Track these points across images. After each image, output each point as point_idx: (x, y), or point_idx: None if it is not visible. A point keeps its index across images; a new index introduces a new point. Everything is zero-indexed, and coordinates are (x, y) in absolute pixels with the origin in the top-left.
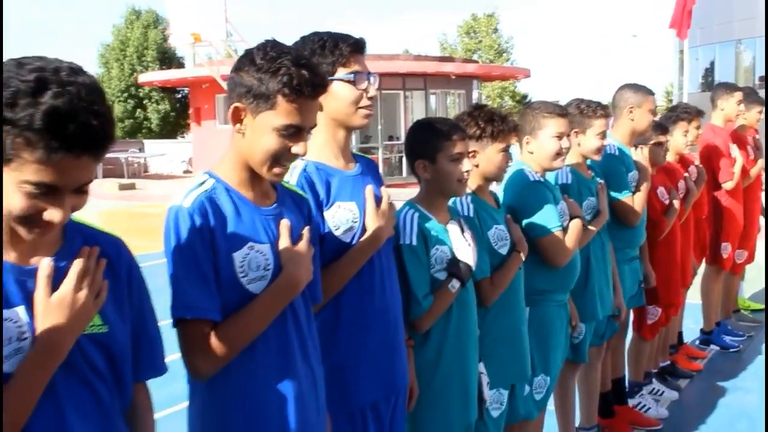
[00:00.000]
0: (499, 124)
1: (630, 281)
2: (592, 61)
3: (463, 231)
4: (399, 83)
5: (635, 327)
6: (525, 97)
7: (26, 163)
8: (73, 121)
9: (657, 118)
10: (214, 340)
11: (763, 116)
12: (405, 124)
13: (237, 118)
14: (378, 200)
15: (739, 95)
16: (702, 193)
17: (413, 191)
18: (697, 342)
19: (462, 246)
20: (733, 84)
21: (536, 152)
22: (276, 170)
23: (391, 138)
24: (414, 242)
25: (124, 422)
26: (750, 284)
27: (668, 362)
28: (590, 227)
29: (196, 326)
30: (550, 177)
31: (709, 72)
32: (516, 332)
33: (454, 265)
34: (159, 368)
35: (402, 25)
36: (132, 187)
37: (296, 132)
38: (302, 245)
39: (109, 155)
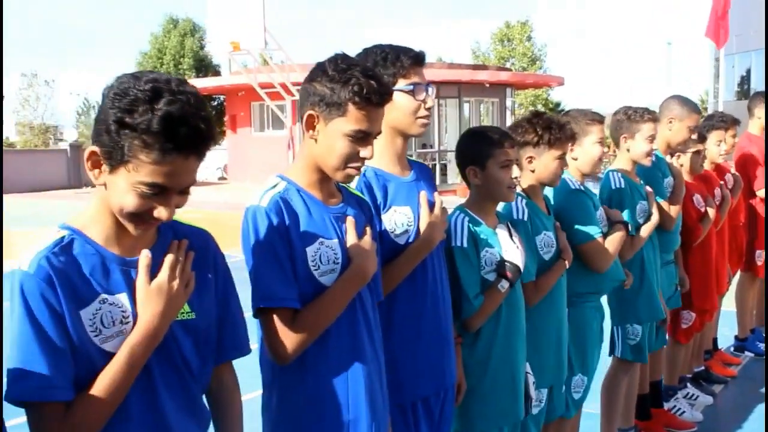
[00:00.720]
0: (556, 131)
1: (666, 285)
2: (626, 69)
3: (511, 234)
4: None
5: (670, 332)
6: (558, 105)
7: (142, 164)
8: (185, 124)
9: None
10: (293, 327)
11: None
12: (439, 133)
13: (310, 124)
14: (431, 205)
15: None
16: (739, 201)
17: (447, 198)
18: (732, 348)
19: (511, 248)
20: None
21: (581, 158)
22: (347, 172)
23: (424, 146)
24: (465, 245)
25: (203, 401)
26: None
27: (702, 368)
28: (641, 234)
29: (278, 314)
30: (594, 185)
31: (745, 80)
32: (556, 336)
33: (503, 267)
34: (242, 349)
35: (434, 32)
36: None
37: (365, 137)
38: (367, 240)
39: None
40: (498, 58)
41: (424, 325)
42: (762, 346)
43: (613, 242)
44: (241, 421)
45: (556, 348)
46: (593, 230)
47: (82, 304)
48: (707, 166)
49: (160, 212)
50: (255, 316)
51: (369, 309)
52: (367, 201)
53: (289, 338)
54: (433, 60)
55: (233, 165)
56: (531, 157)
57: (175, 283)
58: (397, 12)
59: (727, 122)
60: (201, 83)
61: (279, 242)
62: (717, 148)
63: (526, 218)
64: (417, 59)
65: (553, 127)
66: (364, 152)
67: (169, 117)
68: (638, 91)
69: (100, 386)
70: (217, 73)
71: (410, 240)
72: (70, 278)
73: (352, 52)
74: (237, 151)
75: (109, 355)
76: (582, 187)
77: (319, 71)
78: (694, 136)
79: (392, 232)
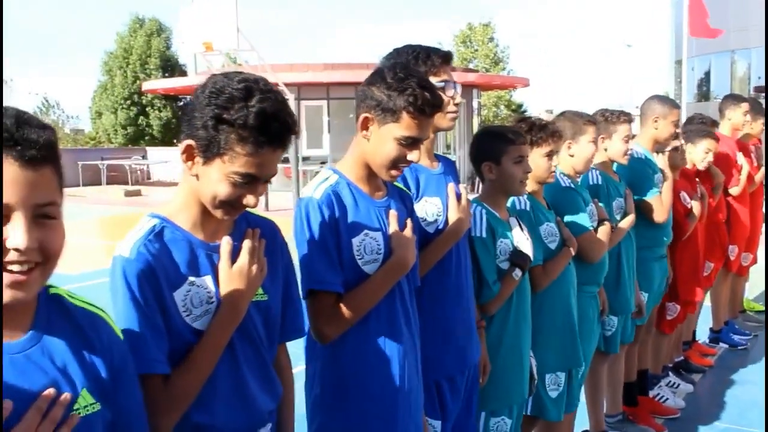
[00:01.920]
0: (537, 131)
1: (660, 278)
2: (587, 71)
3: (521, 226)
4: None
5: (654, 323)
6: (521, 106)
7: (238, 156)
8: (276, 120)
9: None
10: (338, 310)
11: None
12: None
13: (365, 125)
14: (458, 196)
15: (745, 106)
16: (720, 198)
17: None
18: (707, 340)
19: (522, 239)
20: (740, 95)
21: (576, 155)
22: (393, 173)
23: None
24: (484, 235)
25: (275, 375)
26: (752, 287)
27: (682, 358)
28: (621, 225)
29: (324, 297)
30: (582, 179)
31: (704, 82)
32: (568, 320)
33: (516, 256)
34: (301, 330)
35: (398, 32)
36: (138, 193)
37: (414, 142)
38: (408, 232)
39: (113, 162)
40: (460, 60)
41: (450, 306)
42: (735, 337)
43: (603, 234)
44: (294, 396)
45: (569, 332)
46: (585, 222)
47: (174, 286)
48: (688, 165)
49: (249, 200)
50: (304, 297)
51: (406, 295)
52: (410, 194)
53: (331, 319)
54: None
55: None
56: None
57: (254, 267)
58: (361, 11)
59: (706, 125)
60: (168, 83)
61: (328, 233)
62: (705, 155)
63: (528, 208)
64: (446, 58)
65: (534, 128)
66: (411, 156)
67: (262, 113)
68: (600, 92)
69: (194, 360)
70: (183, 73)
71: (439, 228)
72: (164, 263)
73: (322, 52)
74: None
75: (198, 333)
76: (572, 184)
77: (377, 77)
78: (679, 130)
79: (423, 221)
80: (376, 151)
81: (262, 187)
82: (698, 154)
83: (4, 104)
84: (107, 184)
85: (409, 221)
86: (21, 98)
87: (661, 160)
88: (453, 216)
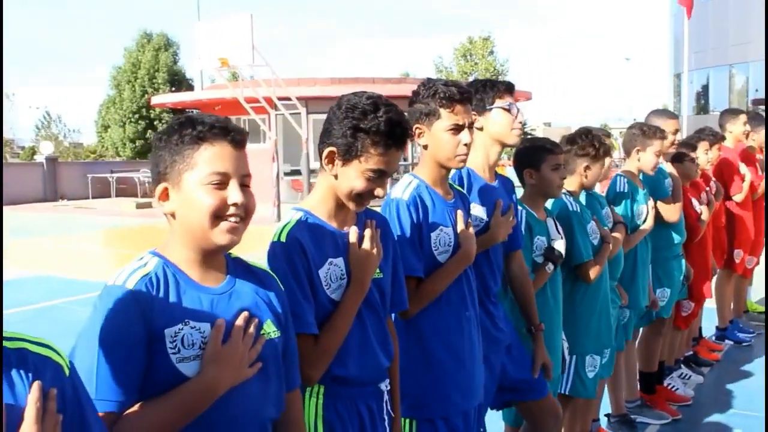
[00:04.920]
0: (604, 146)
1: (678, 275)
2: (586, 84)
3: (556, 226)
4: (406, 106)
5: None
6: None
7: (371, 156)
8: (399, 126)
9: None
10: (419, 290)
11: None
12: (412, 146)
13: (419, 135)
14: (506, 209)
15: (743, 117)
16: (720, 204)
17: None
18: (713, 338)
19: (557, 238)
20: (737, 108)
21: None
22: (459, 158)
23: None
24: (522, 232)
25: (391, 340)
26: (755, 291)
27: (691, 352)
28: (641, 228)
29: (411, 281)
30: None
31: (702, 95)
32: (604, 308)
33: (550, 252)
34: (404, 303)
35: (398, 47)
36: (149, 205)
37: (460, 128)
38: (471, 230)
39: (122, 175)
40: (460, 73)
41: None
42: (740, 334)
43: (618, 234)
44: (398, 359)
45: (605, 317)
46: (602, 222)
47: (318, 265)
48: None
49: (379, 191)
50: None
51: (472, 282)
52: (467, 197)
53: (414, 298)
54: (395, 74)
55: None
56: (587, 166)
57: (375, 251)
58: (361, 26)
59: (716, 137)
60: (177, 97)
61: (414, 228)
62: (705, 156)
63: (579, 210)
64: (509, 86)
65: (604, 143)
66: (464, 138)
67: (389, 122)
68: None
69: (334, 324)
70: (190, 88)
71: (479, 232)
72: (310, 246)
73: (324, 66)
74: None
75: (335, 303)
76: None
77: (413, 96)
78: (679, 137)
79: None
80: (437, 149)
81: (387, 181)
82: (701, 157)
83: (7, 118)
84: (116, 196)
85: (470, 221)
86: (22, 111)
87: (670, 167)
88: (494, 224)
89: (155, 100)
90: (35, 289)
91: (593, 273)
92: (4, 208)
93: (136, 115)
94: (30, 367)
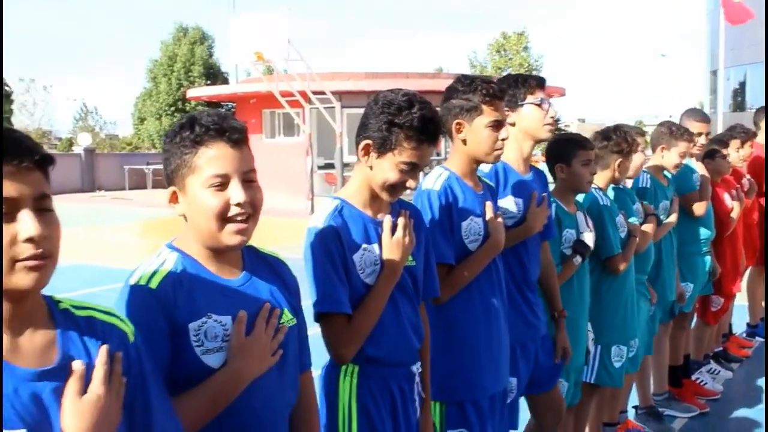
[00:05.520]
0: (632, 140)
1: (703, 270)
2: (620, 80)
3: (586, 220)
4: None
5: (699, 314)
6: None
7: (405, 150)
8: (432, 123)
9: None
10: (451, 276)
11: None
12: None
13: (458, 130)
14: (540, 200)
15: None
16: (753, 201)
17: None
18: (744, 334)
19: (586, 231)
20: None
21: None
22: (495, 153)
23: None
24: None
25: (422, 322)
26: None
27: (721, 348)
28: (665, 222)
29: (443, 268)
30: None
31: (739, 92)
32: (630, 299)
33: (579, 245)
34: (436, 291)
35: (431, 42)
36: None
37: (499, 124)
38: (500, 220)
39: (158, 166)
40: (495, 69)
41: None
42: None
43: (649, 227)
44: (429, 341)
45: (630, 311)
46: (632, 215)
47: (353, 250)
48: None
49: (411, 183)
50: None
51: (500, 269)
52: (494, 189)
53: (446, 284)
54: (428, 69)
55: None
56: (621, 162)
57: (407, 239)
58: (396, 21)
59: (747, 134)
60: (212, 90)
61: (445, 217)
62: (737, 153)
63: (609, 204)
64: (540, 82)
65: (635, 139)
66: (502, 134)
67: (423, 118)
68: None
69: (367, 306)
70: (225, 81)
71: (516, 223)
72: (346, 232)
73: (356, 59)
74: None
75: (368, 286)
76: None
77: (451, 91)
78: (704, 140)
79: (505, 215)
80: (475, 144)
81: (419, 173)
82: (732, 154)
83: (45, 110)
84: (152, 188)
85: (498, 211)
86: (59, 103)
87: (701, 167)
88: (531, 216)
89: (191, 93)
90: (75, 276)
91: (621, 266)
92: None
93: (172, 108)
94: (98, 333)
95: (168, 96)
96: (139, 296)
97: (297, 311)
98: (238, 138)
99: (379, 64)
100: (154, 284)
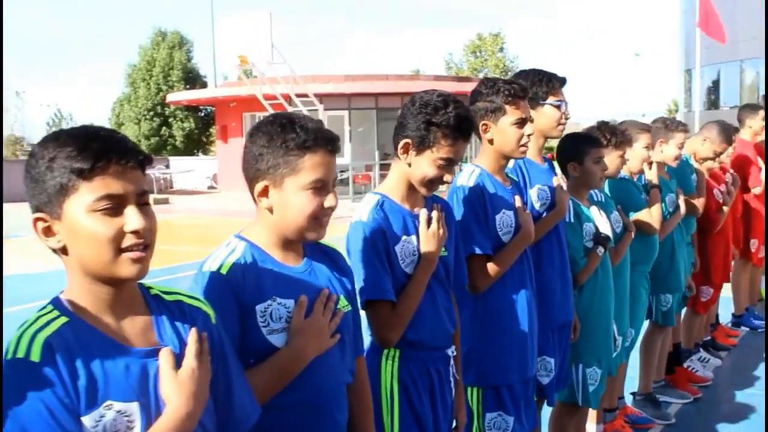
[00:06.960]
0: (620, 136)
1: (687, 262)
2: (595, 80)
3: (601, 213)
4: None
5: (689, 304)
6: None
7: (442, 147)
8: (466, 121)
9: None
10: (484, 267)
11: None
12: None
13: (485, 130)
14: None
15: (762, 112)
16: (736, 196)
17: None
18: (730, 324)
19: (602, 223)
20: (755, 104)
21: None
22: (521, 149)
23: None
24: (572, 220)
25: (455, 309)
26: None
27: (709, 337)
28: (672, 219)
29: (479, 258)
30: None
31: (712, 90)
32: (626, 291)
33: (599, 237)
34: (465, 279)
35: (406, 43)
36: (166, 201)
37: (524, 122)
38: (528, 212)
39: None
40: (470, 70)
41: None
42: (755, 321)
43: (654, 210)
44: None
45: (626, 301)
46: (642, 205)
47: (394, 242)
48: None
49: (447, 177)
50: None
51: (531, 258)
52: (520, 184)
53: (482, 274)
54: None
55: (223, 174)
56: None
57: (441, 231)
58: (370, 21)
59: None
60: (192, 95)
61: (480, 210)
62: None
63: (603, 200)
64: (562, 82)
65: (617, 133)
66: (528, 131)
67: (458, 117)
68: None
69: (408, 293)
70: (204, 85)
71: (547, 211)
72: (388, 225)
73: (331, 63)
74: (227, 161)
75: (408, 276)
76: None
77: (476, 94)
78: (712, 154)
79: (534, 204)
80: (502, 142)
81: (455, 168)
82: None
83: (17, 116)
84: None
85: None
86: (32, 109)
87: (698, 165)
88: (560, 201)
89: (171, 97)
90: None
91: (615, 260)
92: (15, 205)
93: (151, 113)
94: (186, 316)
95: (147, 101)
96: (212, 282)
97: (352, 299)
98: (336, 148)
99: (356, 66)
100: (224, 270)
